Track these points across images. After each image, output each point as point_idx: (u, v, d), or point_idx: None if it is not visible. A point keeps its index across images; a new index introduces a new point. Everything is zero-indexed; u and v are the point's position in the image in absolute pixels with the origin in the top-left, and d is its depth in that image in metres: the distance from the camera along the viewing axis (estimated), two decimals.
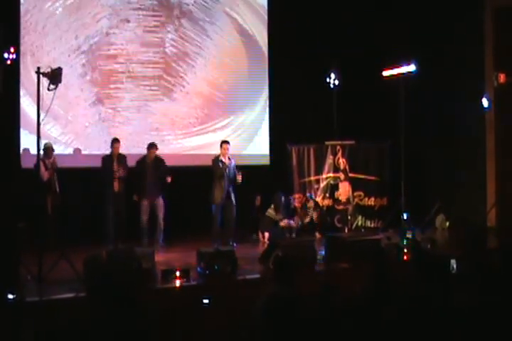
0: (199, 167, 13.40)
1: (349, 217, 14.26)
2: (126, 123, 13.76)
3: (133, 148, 13.26)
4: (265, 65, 15.27)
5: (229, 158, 12.55)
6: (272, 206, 13.40)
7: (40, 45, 12.97)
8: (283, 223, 13.36)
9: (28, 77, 12.28)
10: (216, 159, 12.53)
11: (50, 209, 11.72)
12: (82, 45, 13.36)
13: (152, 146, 12.56)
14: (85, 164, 12.90)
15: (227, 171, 12.40)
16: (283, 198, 13.52)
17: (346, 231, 13.77)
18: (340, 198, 14.25)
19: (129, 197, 12.29)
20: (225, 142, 12.72)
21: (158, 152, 12.64)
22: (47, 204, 11.60)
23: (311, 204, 13.93)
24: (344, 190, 14.20)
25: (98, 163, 12.33)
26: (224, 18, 14.91)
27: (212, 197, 12.47)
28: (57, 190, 12.03)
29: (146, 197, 12.39)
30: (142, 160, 12.55)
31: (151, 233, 12.46)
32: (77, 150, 13.20)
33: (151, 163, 12.50)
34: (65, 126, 13.10)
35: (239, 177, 12.42)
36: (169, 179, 12.34)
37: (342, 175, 14.30)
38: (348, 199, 14.24)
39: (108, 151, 12.57)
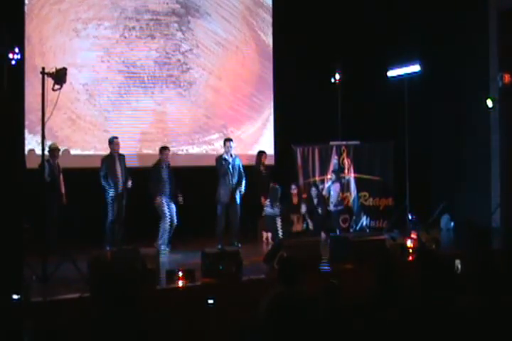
0: (203, 167, 13.41)
1: (351, 217, 14.28)
2: (119, 125, 13.53)
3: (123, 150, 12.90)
4: (270, 65, 15.27)
5: (231, 155, 12.61)
6: (267, 201, 13.40)
7: (40, 31, 12.83)
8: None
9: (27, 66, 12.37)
10: (220, 157, 12.64)
11: (55, 210, 11.69)
12: (82, 36, 13.24)
13: (165, 149, 12.56)
14: (75, 165, 12.76)
15: (230, 168, 12.47)
16: (279, 191, 13.52)
17: (338, 233, 13.66)
18: (331, 200, 14.18)
19: (129, 198, 12.28)
20: (228, 140, 12.84)
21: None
22: (51, 205, 11.56)
23: (314, 192, 13.97)
24: (334, 192, 14.14)
25: (88, 164, 12.39)
26: (238, 20, 14.97)
27: (217, 196, 12.52)
28: (63, 190, 12.02)
29: (163, 198, 12.31)
30: (158, 163, 12.46)
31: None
32: (65, 151, 12.91)
33: (166, 165, 12.46)
34: (57, 125, 12.82)
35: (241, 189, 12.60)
36: (180, 199, 12.37)
37: (333, 176, 14.24)
38: (338, 201, 14.17)
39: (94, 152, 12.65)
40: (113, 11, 13.54)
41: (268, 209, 13.34)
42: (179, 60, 14.21)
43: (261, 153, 13.91)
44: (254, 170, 13.51)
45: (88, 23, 13.31)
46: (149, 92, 13.90)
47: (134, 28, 13.75)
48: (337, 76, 14.71)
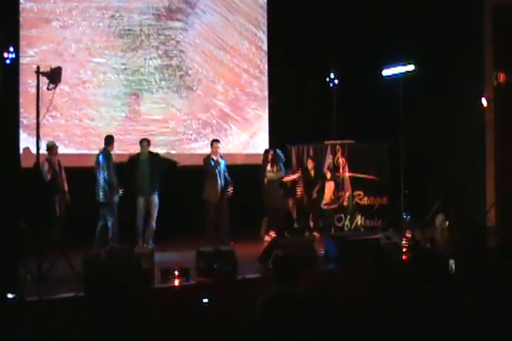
0: (196, 166, 13.40)
1: (345, 216, 14.28)
2: (102, 123, 13.49)
3: None
4: (266, 64, 15.27)
5: (221, 156, 12.63)
6: (269, 165, 13.39)
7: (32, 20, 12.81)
8: (286, 178, 13.70)
9: None
10: (207, 158, 12.62)
11: (58, 209, 11.61)
12: (80, 30, 13.20)
13: (144, 141, 12.35)
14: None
15: (218, 169, 12.48)
16: (279, 152, 13.60)
17: (333, 231, 13.70)
18: (325, 197, 14.14)
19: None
20: (215, 141, 12.86)
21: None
22: (54, 204, 11.49)
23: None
24: (329, 190, 14.11)
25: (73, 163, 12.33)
26: (235, 20, 14.97)
27: (205, 195, 12.53)
28: (66, 189, 11.92)
29: (140, 194, 12.19)
30: (135, 157, 12.33)
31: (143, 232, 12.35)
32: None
33: (146, 159, 12.25)
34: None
35: (230, 190, 12.57)
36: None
37: (329, 174, 14.19)
38: (332, 200, 14.13)
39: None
40: (112, 4, 13.50)
41: (270, 174, 13.33)
42: (179, 63, 14.23)
43: (267, 152, 13.70)
44: (261, 169, 13.44)
45: (84, 14, 13.26)
46: (142, 93, 13.88)
47: (135, 33, 13.76)
48: (332, 74, 14.73)
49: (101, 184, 11.66)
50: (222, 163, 12.63)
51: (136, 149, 12.59)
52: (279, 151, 13.56)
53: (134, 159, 12.34)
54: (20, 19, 12.69)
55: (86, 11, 13.27)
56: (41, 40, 12.81)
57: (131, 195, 12.20)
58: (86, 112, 13.36)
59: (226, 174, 12.68)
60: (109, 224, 11.67)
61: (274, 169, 13.35)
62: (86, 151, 13.17)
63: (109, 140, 11.98)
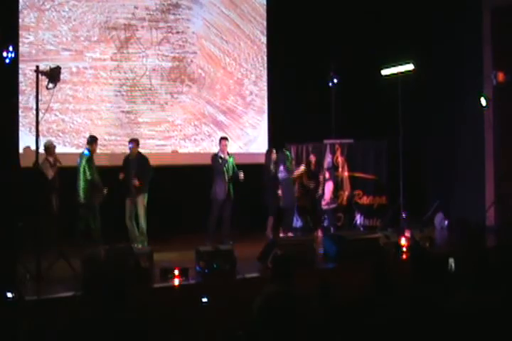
0: (194, 166, 13.38)
1: (345, 216, 14.28)
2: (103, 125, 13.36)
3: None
4: (264, 63, 15.26)
5: (228, 154, 12.60)
6: (281, 166, 13.34)
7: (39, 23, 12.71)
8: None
9: None
10: (215, 155, 12.63)
11: (55, 208, 11.59)
12: (81, 32, 13.11)
13: (131, 142, 12.28)
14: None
15: (226, 166, 12.46)
16: (288, 152, 13.67)
17: (332, 230, 13.69)
18: (324, 197, 14.13)
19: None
20: (223, 138, 12.85)
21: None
22: (51, 203, 11.47)
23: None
24: (328, 190, 14.10)
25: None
26: (233, 20, 14.91)
27: (213, 193, 12.49)
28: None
29: (127, 195, 12.07)
30: (126, 158, 12.27)
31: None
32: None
33: (134, 160, 12.16)
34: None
35: (241, 175, 12.50)
36: (136, 182, 11.91)
37: (328, 174, 14.17)
38: (331, 199, 14.12)
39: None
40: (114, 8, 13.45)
41: (282, 174, 13.27)
42: (179, 63, 14.15)
43: (270, 151, 13.69)
44: (265, 169, 13.43)
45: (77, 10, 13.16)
46: (136, 93, 13.75)
47: (137, 36, 13.68)
48: (331, 74, 14.73)
49: (82, 184, 11.56)
50: (230, 160, 12.62)
51: (126, 151, 12.60)
52: (287, 151, 13.58)
53: (125, 160, 12.29)
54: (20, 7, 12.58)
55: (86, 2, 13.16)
56: (36, 29, 12.70)
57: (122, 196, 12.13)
58: (75, 108, 13.11)
59: (237, 170, 12.60)
60: (81, 224, 11.59)
61: (286, 169, 13.36)
62: (73, 150, 12.81)
63: (91, 139, 11.87)
